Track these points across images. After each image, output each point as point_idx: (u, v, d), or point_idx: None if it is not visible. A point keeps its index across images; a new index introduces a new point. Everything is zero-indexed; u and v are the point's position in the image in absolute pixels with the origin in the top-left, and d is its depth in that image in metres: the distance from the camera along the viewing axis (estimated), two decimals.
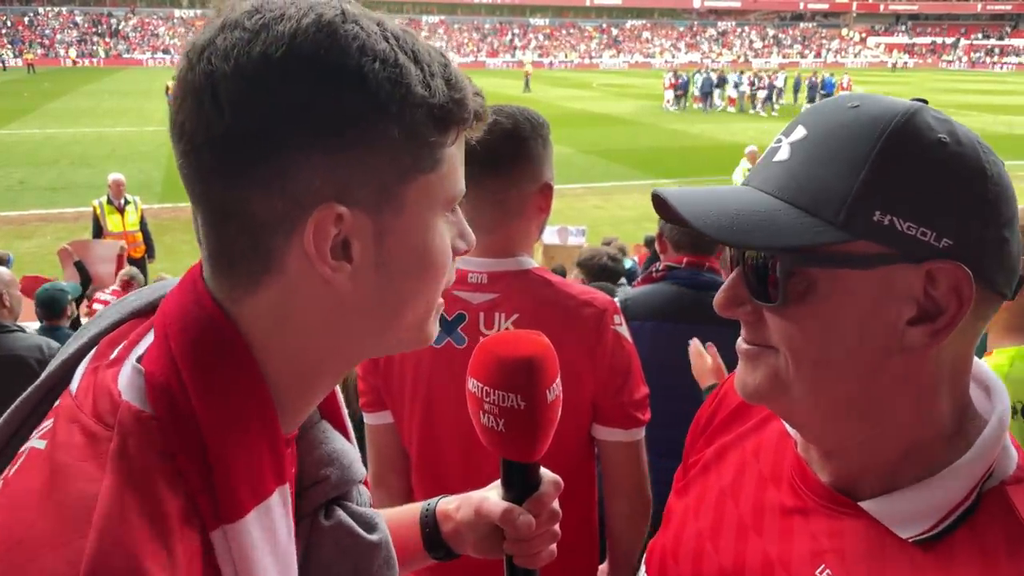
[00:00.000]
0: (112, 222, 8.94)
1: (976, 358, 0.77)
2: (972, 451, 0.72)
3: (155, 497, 0.62)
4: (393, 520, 1.04)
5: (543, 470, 0.98)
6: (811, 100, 30.50)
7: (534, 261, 1.74)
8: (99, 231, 8.96)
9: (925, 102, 0.73)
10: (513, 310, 1.65)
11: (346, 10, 0.67)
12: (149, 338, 0.71)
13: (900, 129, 0.69)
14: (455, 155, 0.74)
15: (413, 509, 1.09)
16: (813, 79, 33.33)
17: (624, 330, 1.72)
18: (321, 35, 0.64)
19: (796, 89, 33.44)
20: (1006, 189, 0.71)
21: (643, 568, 1.01)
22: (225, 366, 0.68)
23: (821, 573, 0.76)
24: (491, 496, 1.00)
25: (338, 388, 0.90)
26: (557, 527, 0.99)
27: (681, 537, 0.95)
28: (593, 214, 12.75)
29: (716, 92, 32.58)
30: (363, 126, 0.65)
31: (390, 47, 0.67)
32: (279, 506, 0.71)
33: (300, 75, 0.63)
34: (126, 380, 0.67)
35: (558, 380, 0.88)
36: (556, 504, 0.99)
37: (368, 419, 1.82)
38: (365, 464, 0.98)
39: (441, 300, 0.80)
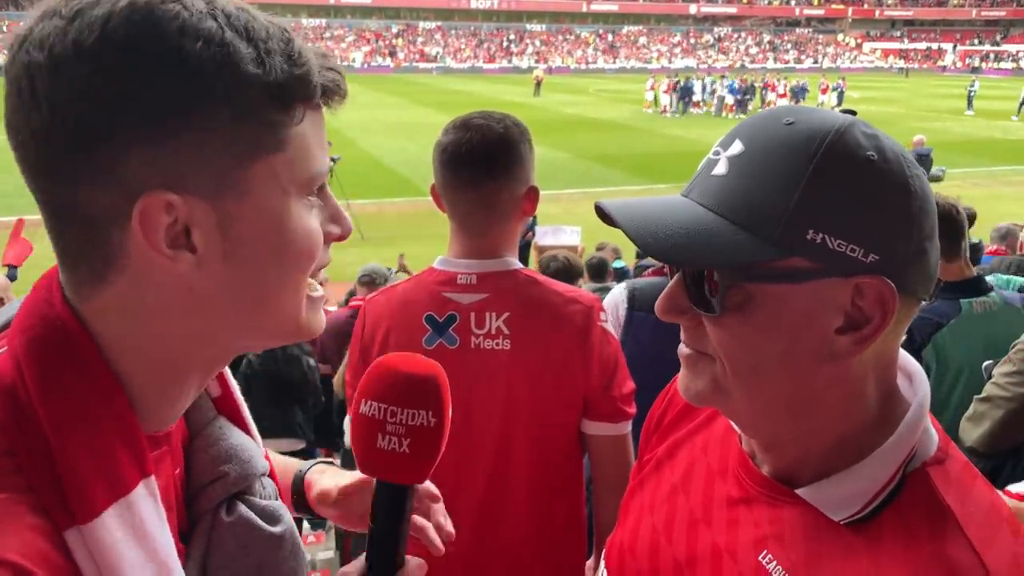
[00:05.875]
0: None
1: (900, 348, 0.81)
2: (895, 436, 0.76)
3: None
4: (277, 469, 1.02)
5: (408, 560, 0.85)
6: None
7: (519, 262, 1.79)
8: None
9: (854, 113, 0.76)
10: (503, 309, 1.70)
11: None
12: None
13: (831, 148, 0.72)
14: (307, 134, 0.70)
15: (292, 466, 1.11)
16: (839, 83, 33.70)
17: (609, 326, 1.77)
18: (136, 18, 0.61)
19: (800, 95, 33.61)
20: (927, 202, 0.74)
21: (602, 565, 1.03)
22: (67, 364, 0.67)
23: (763, 558, 0.79)
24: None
25: (234, 382, 0.88)
26: None
27: (637, 532, 0.98)
28: (589, 219, 12.67)
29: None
30: (187, 111, 0.62)
31: (217, 25, 0.63)
32: (145, 499, 0.68)
33: (113, 63, 0.61)
34: None
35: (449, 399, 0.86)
36: None
37: None
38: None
39: (320, 290, 0.76)
